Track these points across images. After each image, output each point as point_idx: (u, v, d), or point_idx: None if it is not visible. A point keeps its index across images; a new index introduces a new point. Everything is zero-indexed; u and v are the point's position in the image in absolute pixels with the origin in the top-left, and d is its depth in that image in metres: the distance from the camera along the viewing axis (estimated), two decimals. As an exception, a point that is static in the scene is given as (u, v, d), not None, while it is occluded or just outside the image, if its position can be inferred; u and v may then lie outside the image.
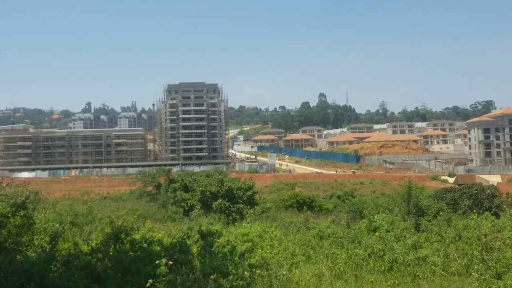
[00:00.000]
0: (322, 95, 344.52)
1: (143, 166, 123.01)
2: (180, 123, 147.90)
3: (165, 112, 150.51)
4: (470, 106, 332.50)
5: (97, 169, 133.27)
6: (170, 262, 7.74)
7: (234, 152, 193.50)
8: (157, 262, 7.65)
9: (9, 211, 8.53)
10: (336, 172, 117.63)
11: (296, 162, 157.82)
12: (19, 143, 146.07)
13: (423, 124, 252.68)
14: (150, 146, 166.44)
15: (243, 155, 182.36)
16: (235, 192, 29.74)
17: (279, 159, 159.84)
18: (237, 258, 9.74)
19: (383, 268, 10.69)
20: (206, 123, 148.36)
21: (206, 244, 9.92)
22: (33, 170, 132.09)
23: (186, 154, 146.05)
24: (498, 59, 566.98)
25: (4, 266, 7.00)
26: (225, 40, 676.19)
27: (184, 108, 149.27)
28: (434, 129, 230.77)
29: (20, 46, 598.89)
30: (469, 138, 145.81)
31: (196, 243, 10.18)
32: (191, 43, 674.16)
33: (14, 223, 8.35)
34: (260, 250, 11.78)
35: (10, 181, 12.41)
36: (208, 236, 10.20)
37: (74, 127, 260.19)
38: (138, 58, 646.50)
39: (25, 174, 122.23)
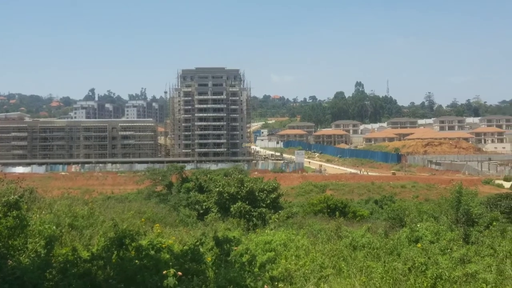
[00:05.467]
0: (359, 84, 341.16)
1: (152, 162, 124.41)
2: (196, 114, 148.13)
3: (179, 101, 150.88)
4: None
5: (100, 164, 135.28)
6: (179, 273, 7.71)
7: (256, 148, 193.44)
8: (164, 272, 7.62)
9: (0, 211, 8.60)
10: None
11: (328, 161, 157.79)
12: (13, 134, 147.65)
13: (476, 120, 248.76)
14: (161, 139, 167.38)
15: (267, 151, 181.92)
16: (257, 194, 29.70)
17: (308, 157, 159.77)
18: (256, 269, 9.72)
19: (425, 284, 10.51)
20: (225, 115, 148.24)
21: (222, 252, 9.90)
22: (28, 164, 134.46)
23: (201, 149, 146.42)
24: None
25: (-7, 272, 7.05)
26: (247, 20, 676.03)
27: (201, 97, 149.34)
28: (488, 126, 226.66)
29: (16, 25, 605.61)
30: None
31: (210, 251, 10.17)
32: (209, 23, 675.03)
33: (6, 224, 8.39)
34: (284, 261, 11.75)
35: (3, 177, 12.53)
36: (224, 244, 10.18)
37: (75, 117, 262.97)
38: (149, 39, 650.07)
39: (20, 169, 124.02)
